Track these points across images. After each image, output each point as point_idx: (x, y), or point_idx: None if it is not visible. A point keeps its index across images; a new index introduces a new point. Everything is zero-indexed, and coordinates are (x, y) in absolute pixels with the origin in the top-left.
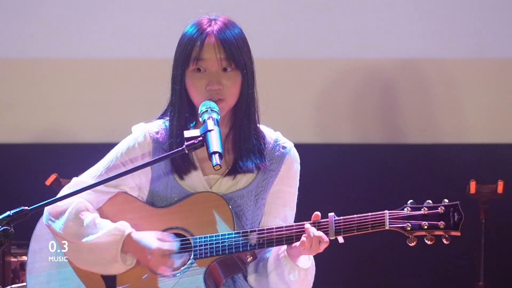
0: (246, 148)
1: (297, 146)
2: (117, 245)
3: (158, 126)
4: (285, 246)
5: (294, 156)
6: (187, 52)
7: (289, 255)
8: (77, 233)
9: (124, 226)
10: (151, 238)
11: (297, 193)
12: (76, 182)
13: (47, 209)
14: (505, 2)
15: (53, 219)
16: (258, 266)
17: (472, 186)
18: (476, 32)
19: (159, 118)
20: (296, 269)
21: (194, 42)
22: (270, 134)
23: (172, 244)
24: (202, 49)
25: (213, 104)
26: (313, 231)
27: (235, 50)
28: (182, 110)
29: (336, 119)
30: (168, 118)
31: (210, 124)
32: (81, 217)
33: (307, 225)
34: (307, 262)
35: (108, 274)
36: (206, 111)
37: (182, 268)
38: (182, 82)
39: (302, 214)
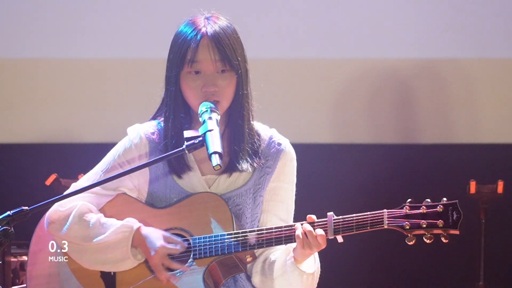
0: (240, 147)
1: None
2: (127, 241)
3: (153, 127)
4: (292, 252)
5: (290, 152)
6: (182, 53)
7: (295, 259)
8: (83, 235)
9: (132, 222)
10: (158, 236)
11: (294, 189)
12: (74, 188)
13: (49, 216)
14: None
15: (56, 225)
16: (264, 268)
17: (472, 186)
18: (479, 33)
19: (153, 118)
20: (304, 275)
21: (189, 43)
22: (265, 131)
23: (177, 245)
24: (196, 51)
25: (213, 104)
26: (304, 226)
27: (230, 51)
28: (177, 112)
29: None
30: (162, 119)
31: (210, 124)
32: (86, 219)
33: (297, 224)
34: (312, 266)
35: (119, 270)
36: (206, 111)
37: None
38: (177, 84)
39: (308, 212)
